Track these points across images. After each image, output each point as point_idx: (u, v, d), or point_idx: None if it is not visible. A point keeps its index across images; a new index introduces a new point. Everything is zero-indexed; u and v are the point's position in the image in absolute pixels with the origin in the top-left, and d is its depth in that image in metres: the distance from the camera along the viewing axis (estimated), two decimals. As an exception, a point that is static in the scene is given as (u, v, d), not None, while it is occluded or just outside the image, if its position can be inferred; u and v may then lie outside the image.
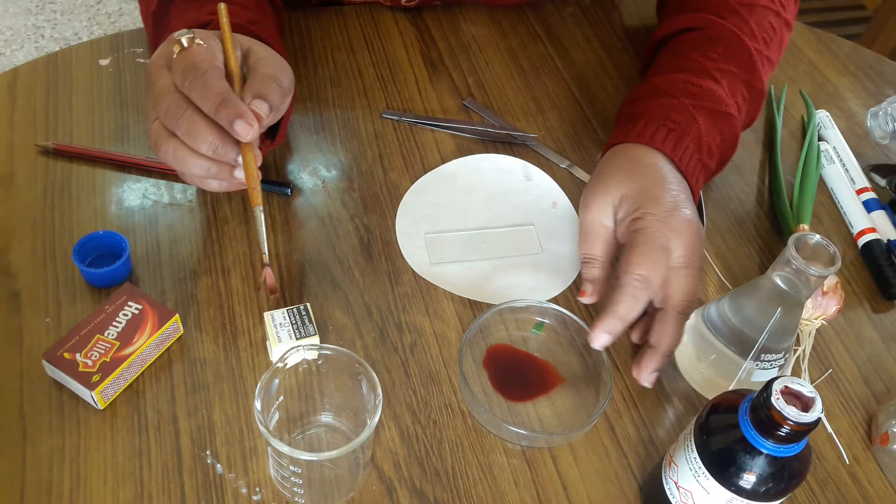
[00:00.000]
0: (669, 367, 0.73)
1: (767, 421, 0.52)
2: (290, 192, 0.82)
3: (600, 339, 0.68)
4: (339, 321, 0.74)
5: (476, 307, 0.76)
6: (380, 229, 0.81)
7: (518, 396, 0.71)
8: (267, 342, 0.69)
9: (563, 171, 0.89)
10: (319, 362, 0.62)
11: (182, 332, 0.71)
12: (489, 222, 0.83)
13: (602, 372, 0.70)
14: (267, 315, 0.69)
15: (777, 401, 0.51)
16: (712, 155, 0.77)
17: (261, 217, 0.68)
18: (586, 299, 0.73)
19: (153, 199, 0.81)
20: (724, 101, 0.78)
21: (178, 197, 0.81)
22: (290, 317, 0.69)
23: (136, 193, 0.81)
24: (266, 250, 0.68)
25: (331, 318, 0.74)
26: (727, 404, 0.57)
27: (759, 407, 0.52)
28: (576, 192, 0.87)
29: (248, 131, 0.64)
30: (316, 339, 0.69)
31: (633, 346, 0.75)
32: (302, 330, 0.69)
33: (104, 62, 0.92)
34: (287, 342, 0.68)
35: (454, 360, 0.72)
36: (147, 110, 0.68)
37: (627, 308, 0.68)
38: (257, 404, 0.58)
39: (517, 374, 0.72)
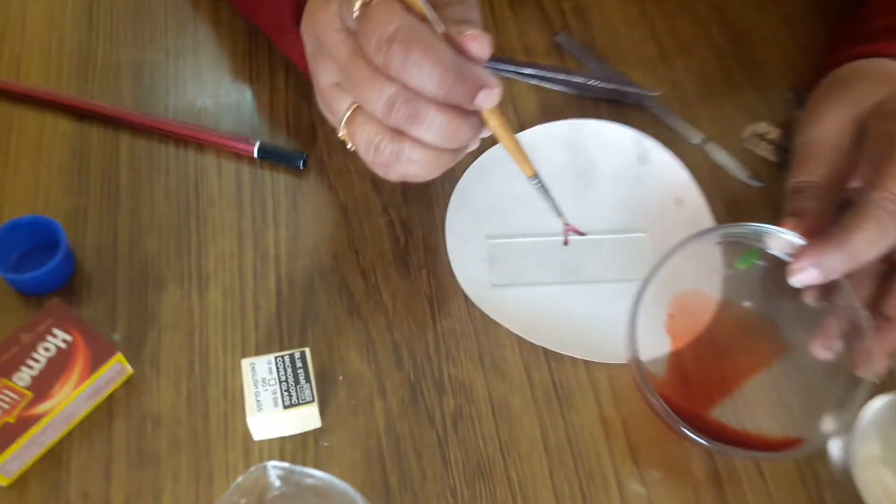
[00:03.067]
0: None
1: None
2: (304, 164, 0.59)
3: (806, 273, 0.46)
4: (354, 368, 0.51)
5: (554, 359, 0.53)
6: (423, 228, 0.57)
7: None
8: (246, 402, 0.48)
9: (693, 149, 0.63)
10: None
11: (132, 372, 0.50)
12: (583, 225, 0.58)
13: (857, 342, 0.46)
14: (245, 365, 0.47)
15: None
16: None
17: (542, 184, 0.49)
18: None
19: (118, 164, 0.59)
20: None
21: (154, 163, 0.59)
22: (278, 369, 0.47)
23: (98, 157, 0.59)
24: (560, 212, 0.50)
25: (342, 363, 0.51)
26: None
27: None
28: (712, 183, 0.61)
29: (492, 98, 0.43)
30: (313, 410, 0.47)
31: None
32: (294, 392, 0.47)
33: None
34: (269, 411, 0.46)
35: (516, 440, 0.49)
36: (315, 74, 0.47)
37: (866, 239, 0.45)
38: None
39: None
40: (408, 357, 0.52)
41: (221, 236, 0.56)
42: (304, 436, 0.49)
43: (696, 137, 0.63)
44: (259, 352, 0.51)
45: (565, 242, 0.56)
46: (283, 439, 0.49)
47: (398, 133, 0.43)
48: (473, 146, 0.46)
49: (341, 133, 0.45)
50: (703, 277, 0.53)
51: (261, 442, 0.48)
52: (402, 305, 0.54)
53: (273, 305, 0.53)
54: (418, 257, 0.56)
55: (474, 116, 0.44)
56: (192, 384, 0.50)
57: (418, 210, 0.58)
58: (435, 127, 0.42)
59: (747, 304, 0.52)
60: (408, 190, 0.59)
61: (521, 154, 0.47)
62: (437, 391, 0.51)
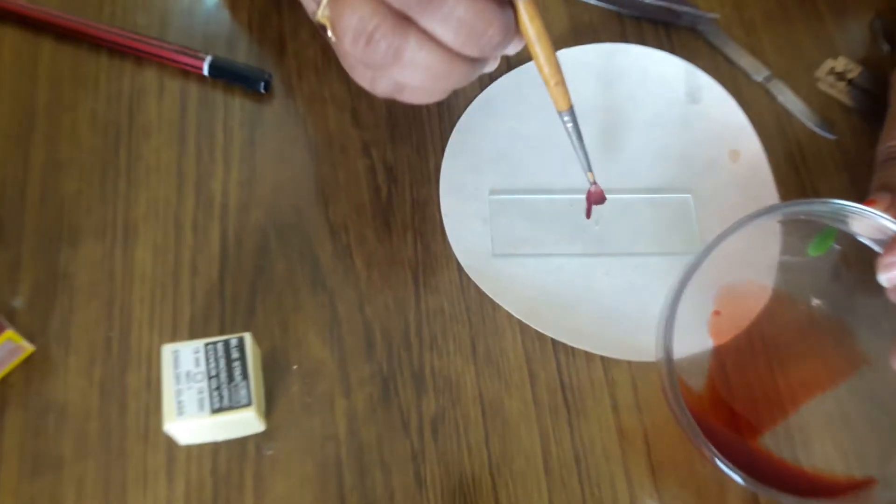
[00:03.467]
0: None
1: None
2: (266, 87, 0.47)
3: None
4: (313, 355, 0.41)
5: (564, 353, 0.42)
6: (411, 175, 0.46)
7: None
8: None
9: (755, 88, 0.50)
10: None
11: (32, 349, 0.40)
12: (612, 180, 0.46)
13: None
14: (167, 353, 0.37)
15: None
16: None
17: (575, 124, 0.39)
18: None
19: (35, 79, 0.47)
20: None
21: (81, 79, 0.47)
22: (208, 360, 0.37)
23: (11, 68, 0.47)
24: (591, 167, 0.42)
25: (298, 348, 0.41)
26: None
27: None
28: (775, 132, 0.48)
29: None
30: (249, 415, 0.36)
31: None
32: (226, 392, 0.36)
33: None
34: (192, 416, 0.36)
35: (510, 454, 0.39)
36: None
37: None
38: None
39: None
40: (381, 343, 0.41)
41: (157, 177, 0.45)
42: (243, 441, 0.39)
43: (759, 73, 0.50)
44: (194, 329, 0.41)
45: (587, 215, 0.44)
46: (216, 445, 0.39)
47: (403, 20, 0.32)
48: (492, 66, 0.35)
49: (321, 14, 0.34)
50: (759, 264, 0.42)
51: (189, 447, 0.39)
52: (379, 276, 0.43)
53: (215, 269, 0.42)
54: (403, 214, 0.45)
55: (509, 12, 0.33)
56: (109, 368, 0.40)
57: (407, 152, 0.46)
58: (457, 17, 0.31)
59: (815, 302, 0.41)
60: (396, 125, 0.47)
61: (559, 76, 0.36)
62: (415, 388, 0.40)
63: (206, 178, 0.45)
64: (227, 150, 0.46)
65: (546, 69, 0.36)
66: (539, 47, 0.36)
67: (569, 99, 0.38)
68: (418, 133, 0.47)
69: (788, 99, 0.50)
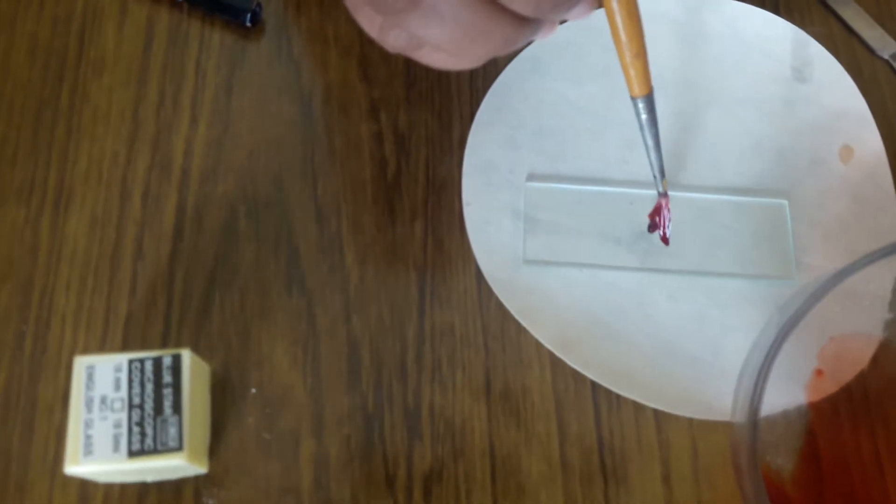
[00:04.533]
0: None
1: None
2: (254, 20, 0.37)
3: None
4: (279, 377, 0.31)
5: (606, 400, 0.32)
6: (429, 149, 0.36)
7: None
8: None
9: (879, 66, 0.39)
10: None
11: (-79, 338, 0.31)
12: (687, 175, 0.36)
13: None
14: (79, 368, 0.28)
15: None
16: None
17: (649, 114, 0.30)
18: None
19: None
20: None
21: (17, -6, 0.37)
22: (131, 383, 0.27)
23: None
24: (663, 172, 0.32)
25: (260, 366, 0.32)
26: None
27: None
28: (902, 129, 0.37)
29: None
30: (180, 461, 0.27)
31: None
32: (150, 429, 0.27)
33: None
34: (102, 459, 0.27)
35: (524, 532, 0.30)
36: None
37: None
38: None
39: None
40: (369, 368, 0.32)
41: (105, 126, 0.35)
42: (179, 484, 0.30)
43: (886, 48, 0.39)
44: (131, 330, 0.32)
45: (651, 229, 0.34)
46: (145, 488, 0.30)
47: None
48: (547, 33, 0.25)
49: None
50: (874, 313, 0.31)
51: (108, 487, 0.30)
52: (375, 278, 0.33)
53: (165, 253, 0.33)
54: (413, 198, 0.35)
55: None
56: (17, 373, 0.31)
57: (426, 117, 0.36)
58: None
59: None
60: (415, 81, 0.37)
61: (641, 46, 0.27)
62: (407, 432, 0.31)
63: (167, 133, 0.35)
64: (197, 99, 0.36)
65: (624, 31, 0.26)
66: (617, 17, 0.25)
67: (649, 81, 0.28)
68: (442, 94, 0.37)
69: (923, 84, 0.39)
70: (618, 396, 0.32)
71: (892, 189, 0.36)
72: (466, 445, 0.31)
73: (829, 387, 0.30)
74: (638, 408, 0.32)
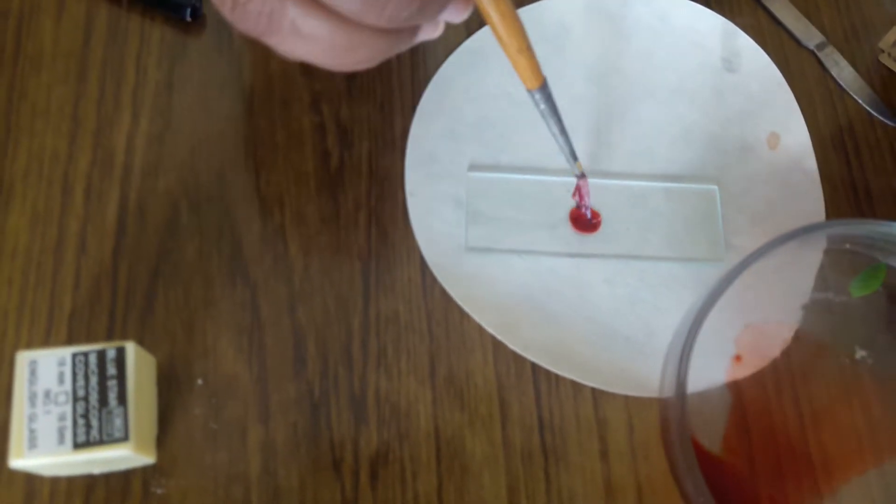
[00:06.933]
0: None
1: None
2: (194, 14, 0.37)
3: None
4: (225, 368, 0.32)
5: (546, 381, 0.33)
6: (371, 141, 0.36)
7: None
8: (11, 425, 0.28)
9: (805, 56, 0.41)
10: None
11: None
12: (620, 162, 0.37)
13: None
14: (22, 362, 0.28)
15: None
16: None
17: (547, 104, 0.30)
18: None
19: None
20: None
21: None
22: (75, 376, 0.28)
23: None
24: (574, 156, 0.33)
25: (206, 357, 0.32)
26: None
27: None
28: (825, 113, 0.39)
29: None
30: (125, 452, 0.27)
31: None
32: (96, 420, 0.27)
33: None
34: (48, 451, 0.27)
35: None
36: None
37: None
38: None
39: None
40: (315, 356, 0.32)
41: (44, 123, 0.35)
42: (127, 476, 0.30)
43: (811, 39, 0.41)
44: (76, 325, 0.32)
45: (574, 212, 0.35)
46: (92, 480, 0.30)
47: None
48: (430, 34, 0.25)
49: None
50: (789, 301, 0.33)
51: (54, 481, 0.30)
52: (319, 268, 0.34)
53: (108, 248, 0.33)
54: (357, 189, 0.35)
55: None
56: (-41, 368, 0.31)
57: (368, 110, 0.37)
58: None
59: (861, 353, 0.32)
60: (356, 74, 0.37)
61: (523, 40, 0.26)
62: (353, 417, 0.32)
63: (108, 129, 0.35)
64: (138, 95, 0.36)
65: (501, 30, 0.26)
66: (485, 9, 0.25)
67: (539, 73, 0.28)
68: (384, 86, 0.38)
69: (844, 73, 0.40)
70: (557, 377, 0.33)
71: (817, 174, 0.38)
72: (412, 429, 0.32)
73: (747, 372, 0.32)
74: (576, 387, 0.33)
